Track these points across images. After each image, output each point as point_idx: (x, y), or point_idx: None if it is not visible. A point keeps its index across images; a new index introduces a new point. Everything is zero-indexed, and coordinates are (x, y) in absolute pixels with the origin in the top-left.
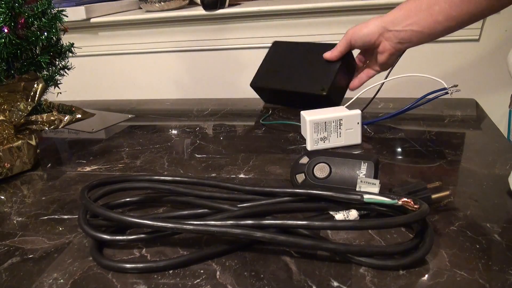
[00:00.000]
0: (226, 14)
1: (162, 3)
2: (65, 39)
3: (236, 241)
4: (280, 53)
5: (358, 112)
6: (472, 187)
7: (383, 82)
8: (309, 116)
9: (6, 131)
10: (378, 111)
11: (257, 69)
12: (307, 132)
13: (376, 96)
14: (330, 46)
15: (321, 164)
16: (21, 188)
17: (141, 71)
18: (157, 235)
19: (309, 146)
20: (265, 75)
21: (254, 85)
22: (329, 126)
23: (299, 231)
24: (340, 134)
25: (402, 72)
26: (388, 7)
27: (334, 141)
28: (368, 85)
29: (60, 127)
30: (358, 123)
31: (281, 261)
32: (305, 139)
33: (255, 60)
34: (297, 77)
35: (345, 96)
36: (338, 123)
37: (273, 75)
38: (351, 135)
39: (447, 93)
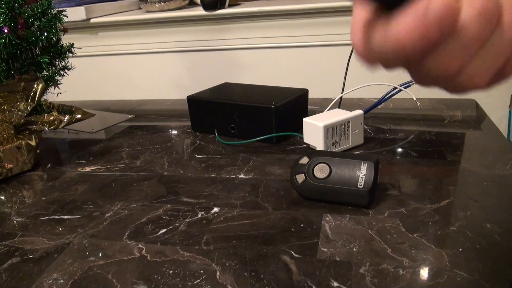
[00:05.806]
0: (226, 14)
1: (162, 3)
2: (65, 39)
3: (236, 240)
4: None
5: (360, 112)
6: (472, 187)
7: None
8: (319, 122)
9: (6, 131)
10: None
11: (256, 69)
12: (320, 139)
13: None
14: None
15: (321, 164)
16: (21, 188)
17: (141, 71)
18: None
19: None
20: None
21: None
22: (339, 129)
23: None
24: (347, 136)
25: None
26: None
27: (343, 144)
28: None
29: (60, 127)
30: (361, 123)
31: (281, 261)
32: (309, 145)
33: (255, 60)
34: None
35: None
36: (346, 125)
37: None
38: (356, 136)
39: (409, 85)
